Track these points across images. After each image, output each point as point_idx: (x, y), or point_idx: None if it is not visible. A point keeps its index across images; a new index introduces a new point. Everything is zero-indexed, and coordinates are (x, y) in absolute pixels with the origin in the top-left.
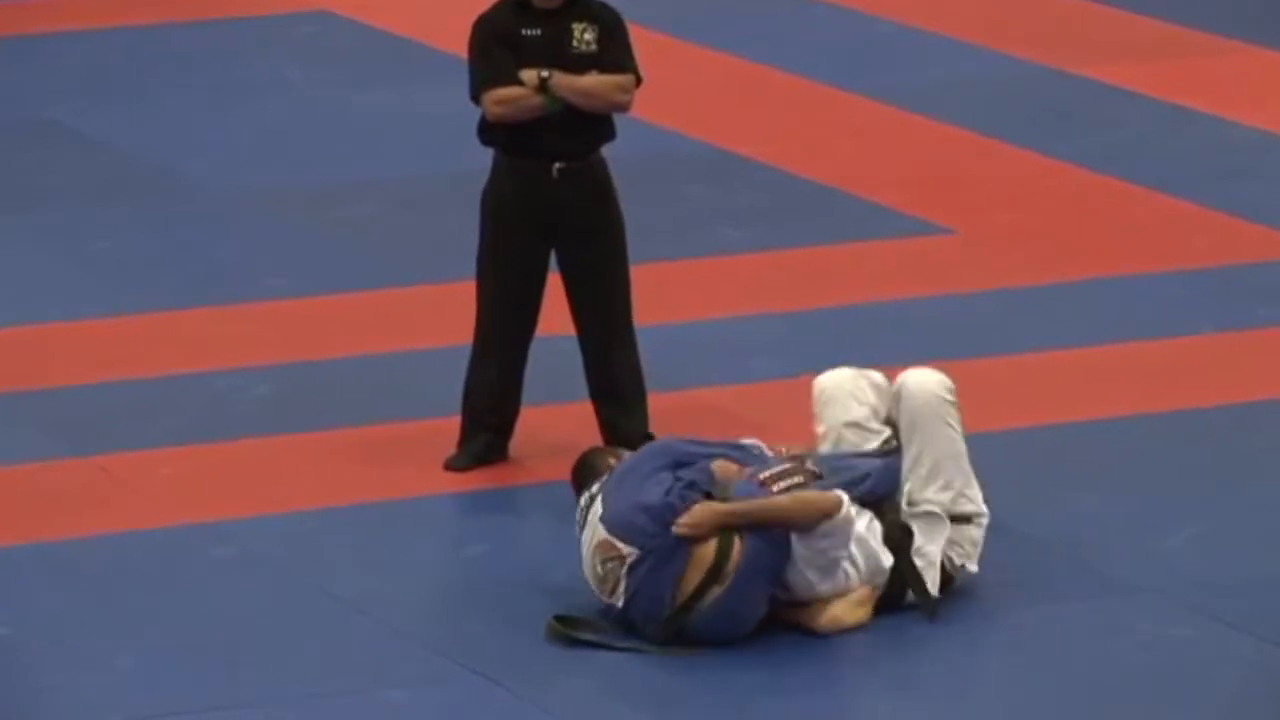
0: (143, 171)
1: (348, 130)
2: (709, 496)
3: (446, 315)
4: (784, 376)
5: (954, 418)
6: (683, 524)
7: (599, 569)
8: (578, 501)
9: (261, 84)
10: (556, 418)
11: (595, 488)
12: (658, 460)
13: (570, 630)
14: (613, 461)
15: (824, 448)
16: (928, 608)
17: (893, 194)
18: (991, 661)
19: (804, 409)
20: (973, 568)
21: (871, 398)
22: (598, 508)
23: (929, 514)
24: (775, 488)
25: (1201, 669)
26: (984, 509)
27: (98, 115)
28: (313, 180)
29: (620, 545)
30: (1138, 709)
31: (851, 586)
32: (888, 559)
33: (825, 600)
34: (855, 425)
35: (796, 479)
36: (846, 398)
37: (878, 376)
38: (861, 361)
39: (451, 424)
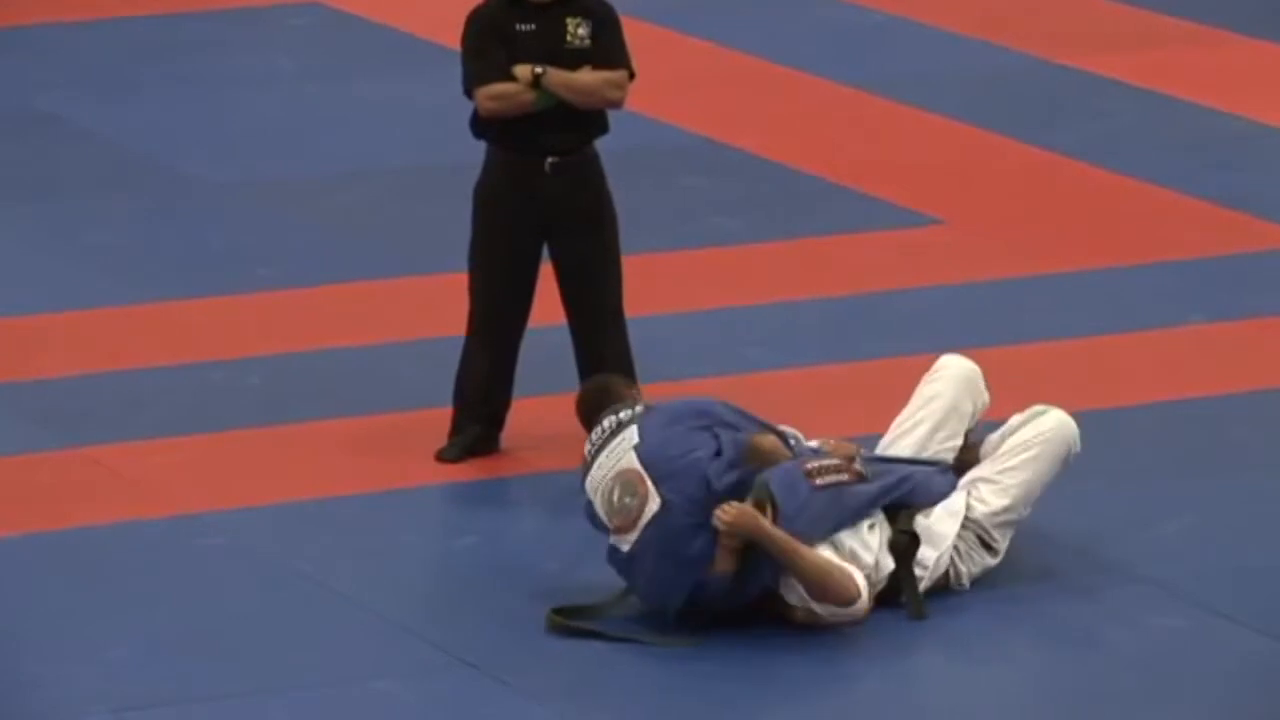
0: (133, 163)
1: (339, 122)
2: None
3: (438, 306)
4: (776, 367)
5: (1058, 470)
6: (724, 520)
7: (615, 499)
8: (589, 424)
9: (253, 76)
10: (548, 409)
11: (625, 415)
12: (701, 420)
13: (568, 620)
14: (635, 394)
15: (913, 406)
16: (916, 610)
17: (883, 185)
18: (985, 651)
19: (796, 399)
20: (967, 587)
21: (978, 402)
22: (632, 436)
23: (954, 512)
24: (818, 481)
25: (1193, 659)
26: (1002, 553)
27: (89, 107)
28: (304, 171)
29: (650, 484)
30: (1129, 698)
31: None
32: (889, 564)
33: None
34: (956, 411)
35: (842, 476)
36: (968, 382)
37: (986, 396)
38: (855, 353)
39: (443, 415)
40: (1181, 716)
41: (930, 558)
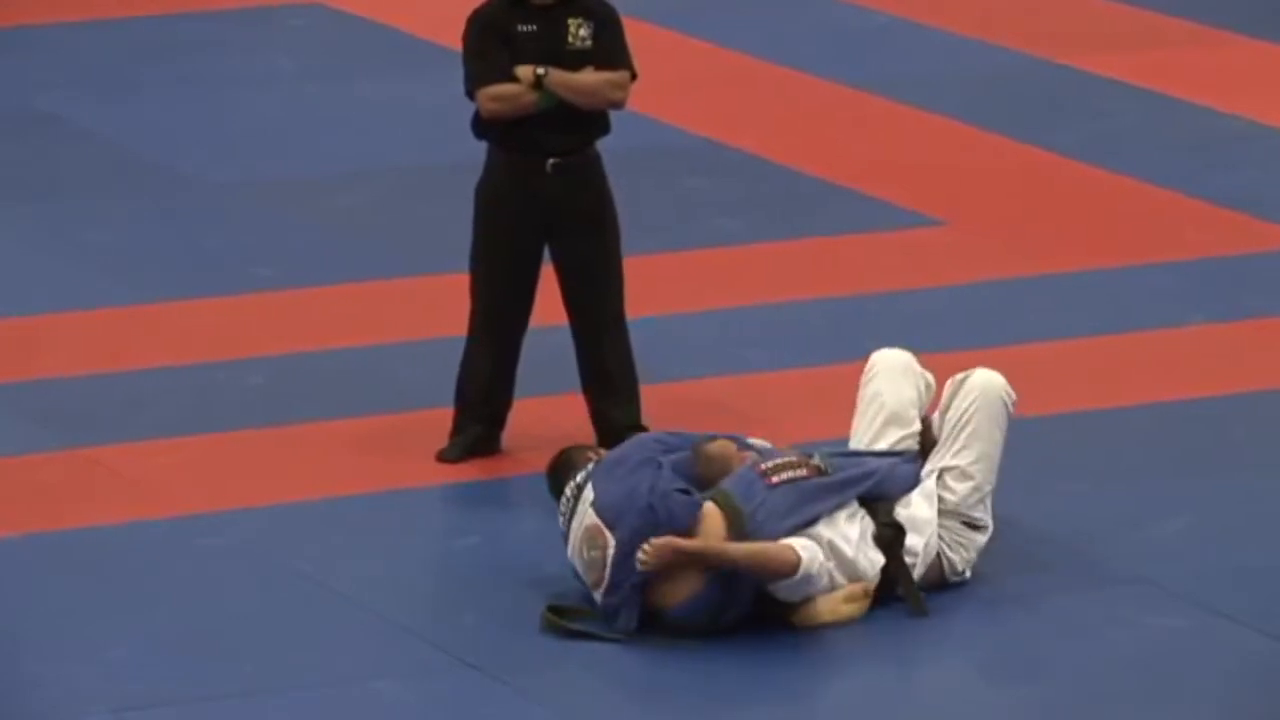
0: (133, 163)
1: (340, 122)
2: (689, 484)
3: (439, 307)
4: (777, 368)
5: (1004, 425)
6: (644, 564)
7: (585, 554)
8: (558, 498)
9: (253, 76)
10: (549, 409)
11: (580, 477)
12: (644, 451)
13: (564, 621)
14: (591, 456)
15: (860, 412)
16: (916, 606)
17: (885, 186)
18: (983, 652)
19: (798, 400)
20: (968, 576)
21: (920, 385)
22: (589, 494)
23: (929, 494)
24: (775, 479)
25: (1192, 659)
26: (991, 523)
27: (88, 107)
28: (305, 171)
29: (606, 532)
30: (1129, 699)
31: (837, 585)
32: (879, 558)
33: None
34: (901, 400)
35: (799, 472)
36: (904, 371)
37: (929, 376)
38: (856, 353)
39: (444, 415)
40: (1181, 716)
41: (918, 544)
